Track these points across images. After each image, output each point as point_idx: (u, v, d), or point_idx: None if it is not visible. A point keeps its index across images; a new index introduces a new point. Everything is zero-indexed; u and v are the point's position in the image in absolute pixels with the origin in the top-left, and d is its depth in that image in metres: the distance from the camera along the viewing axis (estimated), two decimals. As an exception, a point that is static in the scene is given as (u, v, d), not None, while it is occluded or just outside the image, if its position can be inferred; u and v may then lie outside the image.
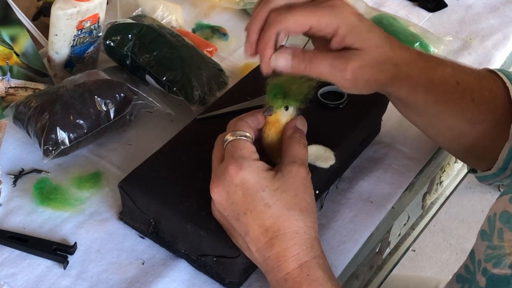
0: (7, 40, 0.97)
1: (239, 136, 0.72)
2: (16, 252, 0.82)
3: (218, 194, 0.71)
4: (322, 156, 0.78)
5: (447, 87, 0.81)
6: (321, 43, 0.76)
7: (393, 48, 0.77)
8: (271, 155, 0.76)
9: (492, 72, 0.85)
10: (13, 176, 0.89)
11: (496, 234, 0.71)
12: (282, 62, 0.73)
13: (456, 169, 1.12)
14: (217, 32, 1.13)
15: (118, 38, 0.99)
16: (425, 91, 0.79)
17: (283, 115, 0.75)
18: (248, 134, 0.73)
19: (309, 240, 0.71)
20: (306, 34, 0.75)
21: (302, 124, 0.76)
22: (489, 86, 0.83)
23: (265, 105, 0.75)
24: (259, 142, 0.76)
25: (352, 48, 0.73)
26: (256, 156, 0.72)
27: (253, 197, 0.70)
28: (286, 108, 0.75)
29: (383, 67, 0.76)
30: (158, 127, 0.97)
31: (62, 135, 0.87)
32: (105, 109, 0.91)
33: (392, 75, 0.77)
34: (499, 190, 2.18)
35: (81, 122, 0.89)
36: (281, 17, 0.72)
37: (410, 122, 0.88)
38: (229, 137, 0.73)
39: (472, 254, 0.78)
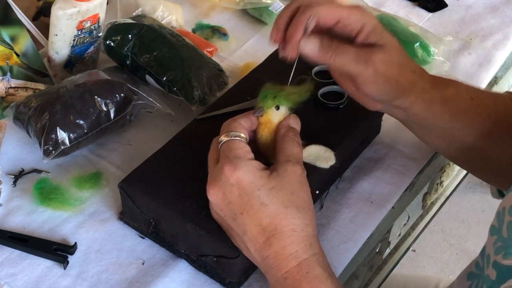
0: (7, 40, 0.97)
1: (233, 137, 0.73)
2: (16, 252, 0.82)
3: (214, 195, 0.71)
4: (322, 156, 0.78)
5: (462, 103, 0.82)
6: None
7: (409, 57, 0.80)
8: (267, 155, 0.76)
9: (509, 92, 0.87)
10: (13, 176, 0.89)
11: (505, 227, 0.71)
12: (310, 47, 0.75)
13: (456, 169, 1.12)
14: (217, 32, 1.13)
15: (118, 38, 0.99)
16: (440, 106, 0.81)
17: (274, 115, 0.76)
18: (242, 135, 0.73)
19: (307, 237, 0.71)
20: (330, 31, 0.76)
21: (295, 123, 0.77)
22: (505, 102, 0.84)
23: (256, 106, 0.75)
24: (254, 143, 0.76)
25: (375, 45, 0.76)
26: (251, 155, 0.72)
27: (249, 197, 0.70)
28: (277, 108, 0.75)
29: (403, 69, 0.78)
30: (158, 127, 0.97)
31: (62, 135, 0.87)
32: (105, 109, 0.91)
33: (410, 81, 0.79)
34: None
35: (81, 122, 0.89)
36: (314, 5, 0.75)
37: (434, 148, 0.88)
38: (223, 138, 0.73)
39: (483, 250, 0.78)
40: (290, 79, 0.77)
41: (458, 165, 0.95)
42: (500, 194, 0.90)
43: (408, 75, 0.78)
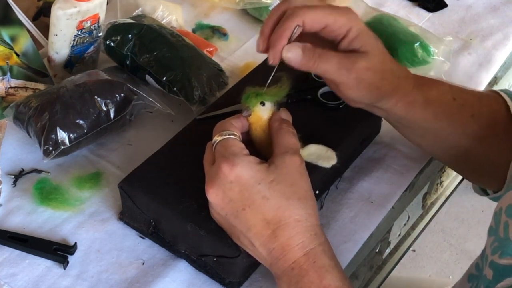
0: (7, 40, 0.97)
1: (227, 135, 0.73)
2: (16, 252, 0.82)
3: (214, 195, 0.71)
4: (324, 156, 0.78)
5: (444, 103, 0.82)
6: (326, 47, 0.77)
7: (393, 61, 0.80)
8: (264, 153, 0.76)
9: (493, 91, 0.87)
10: (13, 176, 0.89)
11: (501, 227, 0.71)
12: (292, 54, 0.74)
13: (456, 169, 1.12)
14: (217, 32, 1.13)
15: (118, 38, 0.99)
16: (422, 108, 0.81)
17: (262, 112, 0.76)
18: (235, 133, 0.73)
19: (312, 227, 0.71)
20: (315, 34, 0.76)
21: (286, 115, 0.77)
22: (488, 102, 0.84)
23: (242, 108, 0.76)
24: (250, 145, 0.76)
25: (359, 52, 0.76)
26: (246, 151, 0.72)
27: (250, 192, 0.70)
28: (263, 104, 0.76)
29: (385, 74, 0.78)
30: (158, 127, 0.97)
31: (62, 135, 0.87)
32: (105, 109, 0.91)
33: (392, 86, 0.79)
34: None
35: (81, 122, 0.89)
36: (301, 12, 0.74)
37: (417, 146, 0.89)
38: (217, 138, 0.73)
39: (483, 252, 0.78)
40: (269, 81, 0.77)
41: (447, 165, 0.95)
42: (483, 191, 0.90)
43: (391, 80, 0.78)
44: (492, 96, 0.85)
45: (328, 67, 0.75)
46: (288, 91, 0.76)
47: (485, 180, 0.88)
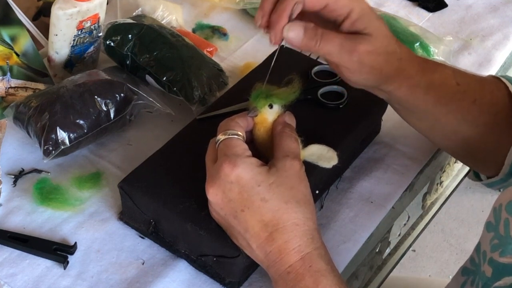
0: (7, 40, 0.97)
1: (231, 135, 0.73)
2: (16, 252, 0.82)
3: (214, 194, 0.71)
4: (325, 156, 0.78)
5: (447, 88, 0.81)
6: (328, 29, 0.76)
7: (397, 43, 0.79)
8: (265, 154, 0.76)
9: (495, 77, 0.86)
10: (13, 176, 0.89)
11: (502, 224, 0.71)
12: (294, 34, 0.73)
13: (456, 169, 1.12)
14: (217, 32, 1.13)
15: (118, 38, 0.99)
16: (424, 92, 0.80)
17: (269, 114, 0.76)
18: (239, 133, 0.73)
19: (309, 231, 0.71)
20: (317, 14, 0.75)
21: (290, 119, 0.77)
22: (491, 88, 0.84)
23: (249, 107, 0.76)
24: (251, 145, 0.76)
25: (362, 33, 0.74)
26: (249, 153, 0.72)
27: (250, 193, 0.70)
28: (271, 106, 0.76)
29: (389, 57, 0.77)
30: (158, 127, 0.97)
31: (62, 135, 0.87)
32: (105, 109, 0.91)
33: (395, 69, 0.78)
34: (499, 191, 2.18)
35: (81, 122, 0.89)
36: None
37: (416, 130, 0.88)
38: (220, 137, 0.73)
39: (478, 246, 0.78)
40: (267, 76, 0.76)
41: (443, 149, 0.94)
42: (476, 176, 0.90)
43: (394, 63, 0.77)
44: (493, 82, 0.85)
45: (330, 48, 0.74)
46: (298, 95, 0.76)
47: (482, 165, 0.88)
